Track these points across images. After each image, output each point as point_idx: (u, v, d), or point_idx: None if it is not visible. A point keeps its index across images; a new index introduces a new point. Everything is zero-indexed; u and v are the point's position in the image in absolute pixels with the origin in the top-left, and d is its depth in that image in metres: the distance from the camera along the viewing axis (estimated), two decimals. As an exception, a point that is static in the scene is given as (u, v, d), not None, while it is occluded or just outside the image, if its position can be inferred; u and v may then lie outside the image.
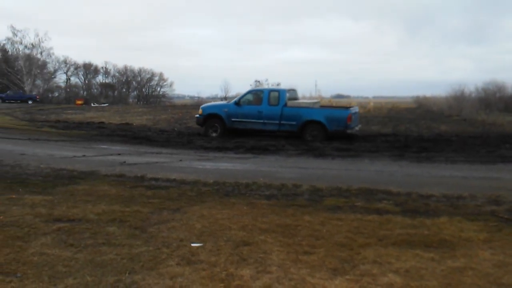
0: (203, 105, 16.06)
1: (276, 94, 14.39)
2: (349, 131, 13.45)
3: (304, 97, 28.95)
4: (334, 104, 25.30)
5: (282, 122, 13.98)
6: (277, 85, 33.89)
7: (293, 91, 15.74)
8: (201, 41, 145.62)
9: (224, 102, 16.43)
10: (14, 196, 6.00)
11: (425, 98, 50.93)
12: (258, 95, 14.76)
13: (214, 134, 14.59)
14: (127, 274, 3.52)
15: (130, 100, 77.29)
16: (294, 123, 13.82)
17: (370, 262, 3.87)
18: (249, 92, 15.40)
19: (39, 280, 3.37)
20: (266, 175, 7.78)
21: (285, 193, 6.44)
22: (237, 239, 4.39)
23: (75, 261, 3.76)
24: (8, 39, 68.07)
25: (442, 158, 10.07)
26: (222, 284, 3.37)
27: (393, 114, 30.32)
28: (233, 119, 14.53)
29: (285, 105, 14.08)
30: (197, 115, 15.40)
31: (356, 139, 13.86)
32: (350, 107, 15.55)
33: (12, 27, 67.23)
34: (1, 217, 4.97)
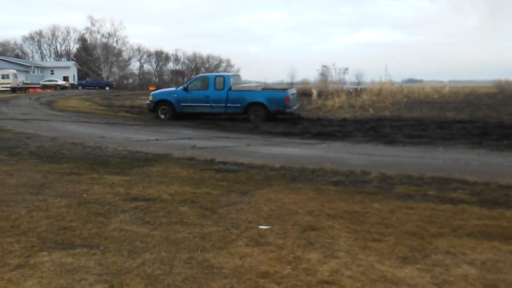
0: (153, 92, 17.58)
1: (221, 79, 15.81)
2: (288, 110, 15.05)
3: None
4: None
5: (228, 104, 15.49)
6: (345, 70, 33.27)
7: (237, 76, 17.66)
8: (270, 27, 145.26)
9: (173, 88, 17.97)
10: (95, 175, 6.46)
11: (507, 82, 47.32)
12: (205, 81, 16.13)
13: (163, 117, 16.27)
14: (199, 252, 3.69)
15: (199, 86, 79.44)
16: (238, 105, 15.33)
17: (442, 252, 3.73)
18: (196, 78, 16.89)
19: (119, 254, 3.63)
20: (333, 161, 7.69)
21: (353, 180, 6.34)
22: (304, 223, 4.42)
23: (151, 238, 3.99)
24: (87, 29, 72.54)
25: (526, 147, 9.33)
26: (289, 266, 3.42)
27: (470, 100, 28.55)
28: (182, 104, 16.05)
29: (230, 89, 15.48)
30: (148, 101, 16.96)
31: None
32: (288, 89, 17.12)
33: (90, 17, 71.29)
34: (84, 195, 5.39)
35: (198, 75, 18.76)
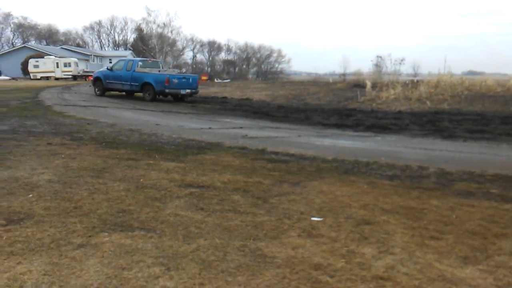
0: (95, 71, 23.22)
1: (131, 63, 19.87)
2: (167, 90, 18.43)
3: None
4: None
5: (131, 83, 19.39)
6: (401, 61, 32.27)
7: (151, 61, 21.46)
8: (322, 17, 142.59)
9: (104, 68, 21.98)
10: (151, 161, 6.67)
11: None
12: (121, 64, 20.23)
13: (98, 92, 20.94)
14: (251, 240, 3.71)
15: (250, 76, 79.97)
16: (137, 84, 19.16)
17: (507, 254, 3.53)
18: (118, 61, 21.03)
19: (175, 238, 3.72)
20: (388, 155, 7.48)
21: (409, 175, 6.13)
22: (357, 217, 4.34)
23: (205, 224, 4.07)
24: (144, 19, 74.69)
25: None
26: (343, 260, 3.37)
27: (539, 94, 26.66)
28: (107, 81, 20.40)
29: (134, 71, 19.32)
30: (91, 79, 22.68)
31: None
32: (178, 73, 21.04)
33: (147, 7, 73.25)
34: (141, 180, 5.58)
35: (120, 59, 22.55)
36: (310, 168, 6.43)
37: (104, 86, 20.52)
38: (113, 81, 20.11)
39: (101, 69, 22.50)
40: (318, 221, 4.21)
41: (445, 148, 8.39)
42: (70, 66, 49.26)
